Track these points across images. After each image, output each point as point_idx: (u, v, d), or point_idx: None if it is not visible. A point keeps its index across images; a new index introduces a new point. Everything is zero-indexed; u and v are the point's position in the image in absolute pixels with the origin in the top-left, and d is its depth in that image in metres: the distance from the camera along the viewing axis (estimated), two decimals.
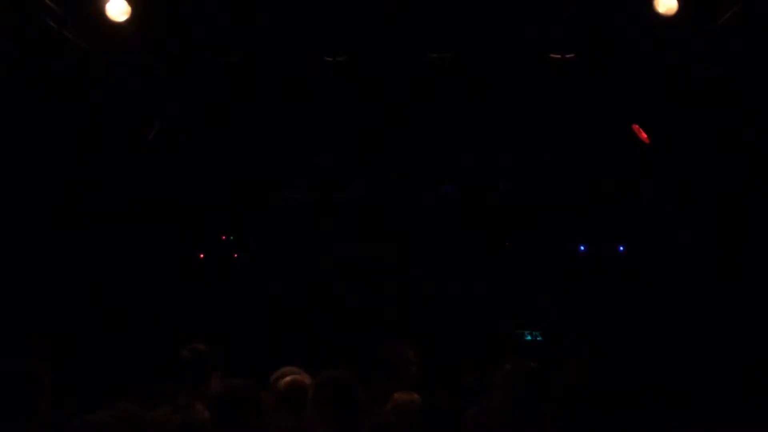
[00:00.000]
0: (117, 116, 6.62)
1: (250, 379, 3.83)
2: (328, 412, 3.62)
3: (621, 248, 8.76)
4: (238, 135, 7.74)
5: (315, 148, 7.89)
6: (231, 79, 6.72)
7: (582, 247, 8.87)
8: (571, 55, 6.14)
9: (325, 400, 3.65)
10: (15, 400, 3.60)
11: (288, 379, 3.98)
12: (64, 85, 5.99)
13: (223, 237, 9.37)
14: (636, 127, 6.67)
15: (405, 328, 7.77)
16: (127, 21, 5.41)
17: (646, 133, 6.61)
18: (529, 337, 8.59)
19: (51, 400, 3.74)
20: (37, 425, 3.62)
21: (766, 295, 6.98)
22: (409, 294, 8.66)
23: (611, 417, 3.60)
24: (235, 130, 7.67)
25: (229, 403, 3.65)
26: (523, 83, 6.71)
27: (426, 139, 7.68)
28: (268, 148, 7.93)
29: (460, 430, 3.77)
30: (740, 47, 5.51)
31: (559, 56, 6.21)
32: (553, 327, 8.58)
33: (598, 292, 8.55)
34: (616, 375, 3.98)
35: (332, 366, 3.85)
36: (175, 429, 3.77)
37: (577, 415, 3.59)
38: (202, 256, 9.22)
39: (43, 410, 3.70)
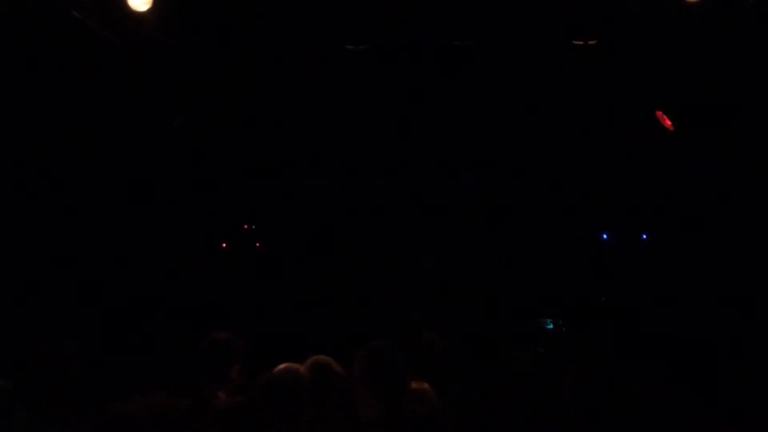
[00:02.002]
0: (139, 106, 6.64)
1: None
2: (374, 383, 3.65)
3: (644, 237, 8.71)
4: (261, 125, 7.76)
5: (338, 138, 7.90)
6: (252, 70, 6.72)
7: (605, 236, 8.82)
8: (594, 42, 6.09)
9: (371, 371, 3.67)
10: (47, 389, 3.65)
11: (281, 367, 3.96)
12: (87, 76, 6.02)
13: (245, 226, 9.41)
14: (660, 113, 6.61)
15: (431, 319, 7.78)
16: (149, 11, 5.42)
17: (671, 120, 6.56)
18: (551, 326, 8.54)
19: (80, 390, 3.78)
20: (68, 414, 3.66)
21: None
22: (433, 285, 8.65)
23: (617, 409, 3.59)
24: (257, 120, 7.69)
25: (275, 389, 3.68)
26: (545, 71, 6.66)
27: (445, 131, 7.66)
28: (291, 138, 7.94)
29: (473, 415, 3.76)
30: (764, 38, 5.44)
31: (581, 43, 6.16)
32: (574, 316, 8.54)
33: (620, 281, 8.51)
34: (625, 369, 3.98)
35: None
36: (199, 419, 3.79)
37: (583, 404, 3.59)
38: (224, 245, 9.26)
39: (74, 399, 3.73)
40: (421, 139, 7.85)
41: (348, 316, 8.50)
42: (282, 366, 4.02)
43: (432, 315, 8.14)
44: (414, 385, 4.08)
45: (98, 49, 5.68)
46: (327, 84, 6.94)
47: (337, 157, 8.37)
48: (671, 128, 6.57)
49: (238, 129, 7.79)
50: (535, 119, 7.39)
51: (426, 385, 4.06)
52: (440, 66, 6.67)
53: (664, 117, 6.56)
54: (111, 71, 6.06)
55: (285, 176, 8.70)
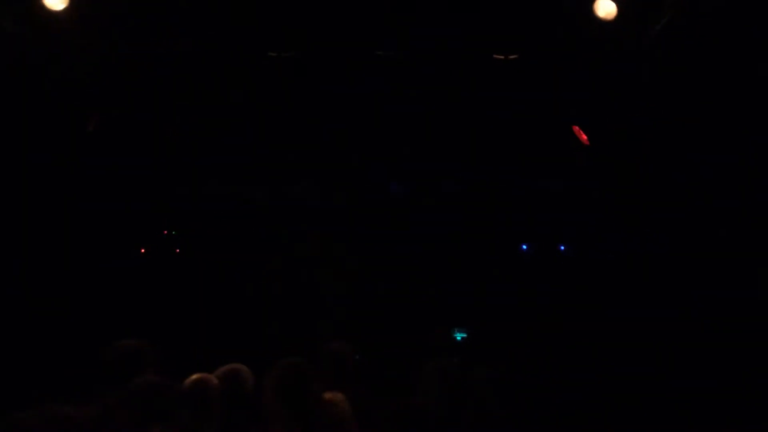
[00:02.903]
0: (56, 108, 6.49)
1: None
2: (284, 399, 3.64)
3: (562, 247, 8.86)
4: (182, 128, 7.65)
5: (263, 142, 7.85)
6: (174, 70, 6.63)
7: (524, 246, 8.95)
8: (514, 56, 6.19)
9: (282, 387, 3.66)
10: None
11: (194, 377, 3.92)
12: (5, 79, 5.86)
13: (165, 232, 9.26)
14: (576, 128, 6.76)
15: (344, 327, 7.78)
16: (65, 10, 5.30)
17: (586, 134, 6.70)
18: (459, 337, 8.61)
19: None
20: None
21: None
22: (347, 293, 8.65)
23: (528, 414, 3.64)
24: (179, 123, 7.58)
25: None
26: (469, 83, 6.75)
27: (374, 138, 7.69)
28: (211, 141, 7.86)
29: (387, 427, 3.77)
30: (679, 50, 5.61)
31: (502, 57, 6.26)
32: (488, 326, 8.62)
33: (538, 290, 8.64)
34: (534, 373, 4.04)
35: (271, 363, 3.86)
36: (103, 428, 3.70)
37: (496, 411, 3.64)
38: (143, 251, 9.09)
39: None
40: (348, 148, 7.87)
41: (261, 325, 8.44)
42: (195, 376, 3.97)
43: (342, 325, 8.14)
44: (327, 395, 4.08)
45: (12, 48, 5.52)
46: (245, 87, 6.89)
47: (255, 162, 8.31)
48: (587, 142, 6.72)
49: (159, 131, 7.66)
50: (451, 130, 7.47)
51: (339, 395, 4.05)
52: (366, 77, 6.70)
53: (581, 132, 6.71)
54: (26, 71, 5.90)
55: (205, 181, 8.60)
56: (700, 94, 6.08)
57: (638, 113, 6.54)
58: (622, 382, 7.03)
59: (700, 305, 7.01)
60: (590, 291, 8.14)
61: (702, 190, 6.87)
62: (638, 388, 6.90)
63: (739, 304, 6.74)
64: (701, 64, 5.80)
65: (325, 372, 4.19)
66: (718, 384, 6.57)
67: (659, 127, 6.61)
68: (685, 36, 5.45)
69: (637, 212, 7.50)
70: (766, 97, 5.85)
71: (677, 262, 7.28)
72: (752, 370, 6.50)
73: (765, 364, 6.44)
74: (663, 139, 6.70)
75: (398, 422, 3.78)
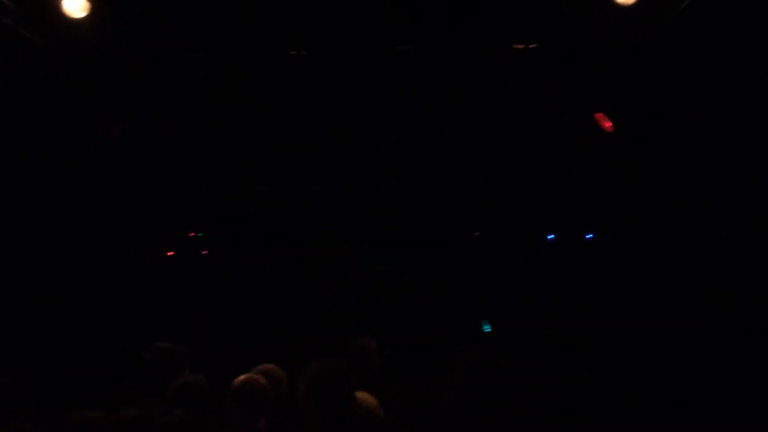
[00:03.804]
0: (78, 115, 6.54)
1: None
2: (321, 402, 3.66)
3: (589, 236, 8.81)
4: (205, 130, 7.69)
5: (285, 141, 7.87)
6: (195, 75, 6.66)
7: (550, 237, 8.91)
8: (534, 46, 6.16)
9: (318, 390, 3.69)
10: None
11: (242, 377, 3.95)
12: (22, 84, 5.90)
13: (192, 234, 9.31)
14: (600, 116, 6.71)
15: (371, 323, 7.79)
16: (86, 17, 5.33)
17: (610, 122, 6.66)
18: (488, 329, 8.58)
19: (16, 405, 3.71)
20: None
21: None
22: (373, 289, 8.66)
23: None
24: (202, 126, 7.62)
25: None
26: (488, 74, 6.72)
27: (393, 134, 7.68)
28: (236, 142, 7.89)
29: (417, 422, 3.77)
30: (697, 37, 5.56)
31: (522, 47, 6.23)
32: (518, 318, 8.59)
33: (567, 281, 8.59)
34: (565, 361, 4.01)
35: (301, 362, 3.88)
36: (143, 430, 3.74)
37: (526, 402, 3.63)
38: (170, 253, 9.15)
39: (9, 414, 3.66)
40: (369, 145, 7.87)
41: (294, 324, 8.47)
42: (244, 376, 4.00)
43: (369, 322, 8.14)
44: (360, 394, 4.09)
45: (31, 56, 5.56)
46: (271, 89, 6.91)
47: (286, 162, 8.33)
48: (610, 130, 6.67)
49: (183, 134, 7.70)
50: (475, 121, 7.45)
51: (369, 396, 4.07)
52: (383, 71, 6.69)
53: (604, 119, 6.66)
54: (46, 79, 5.95)
55: (232, 182, 8.63)
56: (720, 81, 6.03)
57: (658, 101, 6.49)
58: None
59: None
60: (621, 285, 8.07)
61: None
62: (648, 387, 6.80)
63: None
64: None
65: (355, 369, 4.20)
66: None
67: (680, 115, 6.56)
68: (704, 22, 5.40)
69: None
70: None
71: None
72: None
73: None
74: (686, 127, 6.64)
75: (428, 416, 3.78)
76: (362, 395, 4.00)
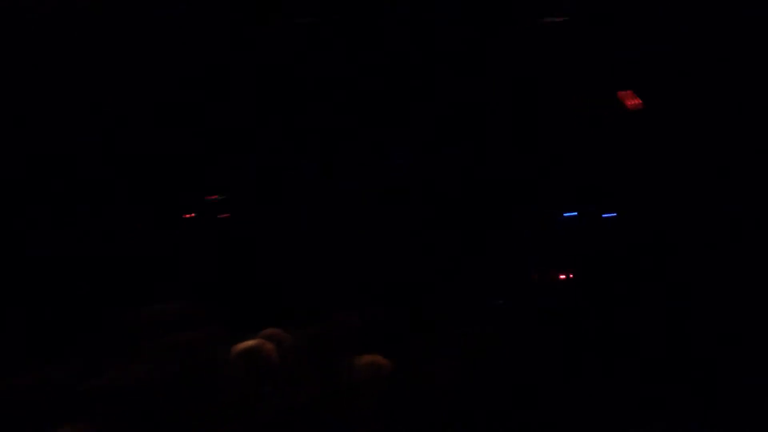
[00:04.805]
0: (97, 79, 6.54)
1: None
2: (309, 363, 3.69)
3: (607, 215, 8.73)
4: (222, 95, 7.67)
5: (303, 108, 7.84)
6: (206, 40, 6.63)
7: (568, 215, 8.83)
8: (561, 19, 6.08)
9: (308, 353, 3.71)
10: None
11: (249, 342, 3.96)
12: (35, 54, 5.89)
13: (212, 197, 9.33)
14: (625, 92, 6.63)
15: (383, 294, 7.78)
16: None
17: (636, 98, 6.57)
18: (495, 304, 8.52)
19: None
20: None
21: None
22: (391, 260, 8.64)
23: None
24: (220, 91, 7.60)
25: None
26: (512, 48, 6.65)
27: (411, 107, 7.64)
28: (255, 107, 7.87)
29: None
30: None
31: (550, 20, 6.15)
32: (532, 293, 8.54)
33: (583, 259, 8.53)
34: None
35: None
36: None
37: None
38: (189, 216, 9.18)
39: None
40: (378, 115, 7.82)
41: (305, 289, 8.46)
42: (249, 341, 4.01)
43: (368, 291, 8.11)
44: (367, 357, 4.10)
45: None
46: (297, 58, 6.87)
47: (303, 129, 8.30)
48: (638, 106, 6.59)
49: (198, 103, 7.69)
50: (498, 97, 7.38)
51: (379, 357, 4.07)
52: (396, 44, 6.64)
53: (630, 96, 6.57)
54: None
55: (250, 147, 8.63)
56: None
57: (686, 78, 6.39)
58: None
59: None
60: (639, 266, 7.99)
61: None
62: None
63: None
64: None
65: (343, 339, 4.21)
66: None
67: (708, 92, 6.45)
68: None
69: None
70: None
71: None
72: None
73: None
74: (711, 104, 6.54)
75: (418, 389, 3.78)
76: (370, 358, 4.02)
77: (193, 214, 9.09)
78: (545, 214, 8.71)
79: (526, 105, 7.48)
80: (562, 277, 8.75)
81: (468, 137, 8.21)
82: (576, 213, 8.82)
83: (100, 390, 3.35)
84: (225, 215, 9.18)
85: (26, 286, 6.92)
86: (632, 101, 6.56)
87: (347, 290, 8.07)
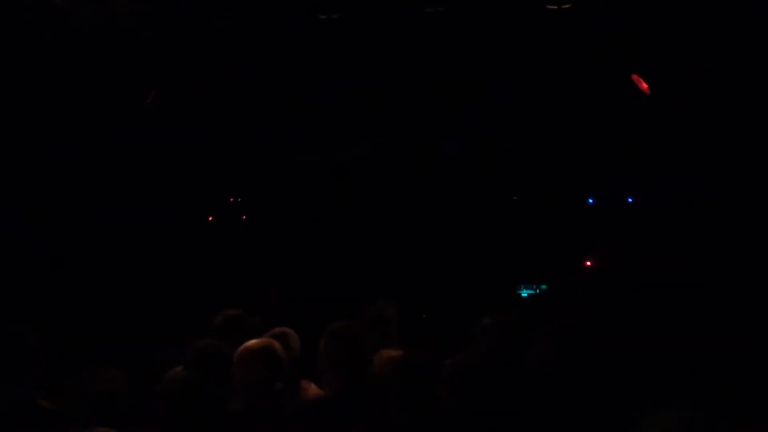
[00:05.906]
0: (112, 80, 6.60)
1: None
2: (338, 361, 3.72)
3: (630, 199, 8.66)
4: (242, 96, 7.71)
5: (318, 107, 7.86)
6: (226, 39, 6.66)
7: (590, 200, 8.78)
8: (567, 5, 6.02)
9: (335, 349, 3.73)
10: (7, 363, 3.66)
11: (259, 341, 3.95)
12: (54, 50, 5.97)
13: (232, 199, 9.41)
14: (636, 77, 6.56)
15: (408, 285, 7.78)
16: None
17: (646, 83, 6.50)
18: (525, 293, 8.50)
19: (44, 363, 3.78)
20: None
21: None
22: (414, 251, 8.64)
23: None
24: (239, 92, 7.64)
25: None
26: (522, 35, 6.60)
27: (427, 96, 7.62)
28: (273, 108, 7.90)
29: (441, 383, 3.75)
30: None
31: (555, 6, 6.09)
32: (556, 282, 8.51)
33: (607, 244, 8.47)
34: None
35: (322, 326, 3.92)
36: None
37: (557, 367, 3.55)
38: (210, 219, 9.26)
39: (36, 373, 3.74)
40: (399, 108, 7.81)
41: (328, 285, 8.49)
42: (260, 339, 4.04)
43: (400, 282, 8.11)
44: (386, 352, 4.11)
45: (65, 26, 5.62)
46: (302, 54, 6.88)
47: (320, 128, 8.32)
48: (647, 92, 6.52)
49: (220, 101, 7.73)
50: (510, 83, 7.34)
51: (398, 351, 4.09)
52: (416, 34, 6.61)
53: (640, 80, 6.51)
54: (79, 49, 6.00)
55: (272, 148, 8.67)
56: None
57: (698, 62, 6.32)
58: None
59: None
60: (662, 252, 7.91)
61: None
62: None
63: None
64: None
65: (372, 334, 4.22)
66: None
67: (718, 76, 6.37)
68: None
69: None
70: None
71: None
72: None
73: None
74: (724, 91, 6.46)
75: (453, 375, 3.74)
76: (391, 352, 4.03)
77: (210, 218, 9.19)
78: (571, 200, 8.67)
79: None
80: (588, 264, 8.71)
81: (496, 127, 8.19)
82: (599, 199, 8.78)
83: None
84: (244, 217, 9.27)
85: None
86: (643, 85, 6.50)
87: (382, 283, 8.09)
